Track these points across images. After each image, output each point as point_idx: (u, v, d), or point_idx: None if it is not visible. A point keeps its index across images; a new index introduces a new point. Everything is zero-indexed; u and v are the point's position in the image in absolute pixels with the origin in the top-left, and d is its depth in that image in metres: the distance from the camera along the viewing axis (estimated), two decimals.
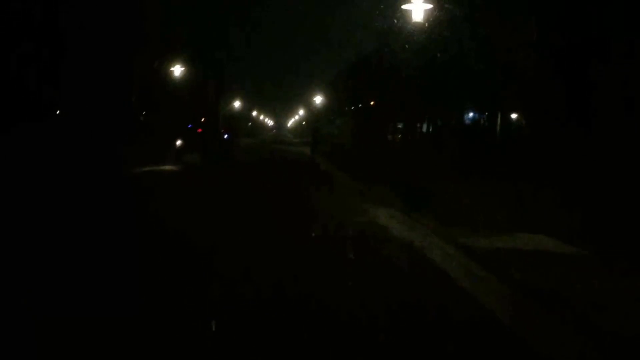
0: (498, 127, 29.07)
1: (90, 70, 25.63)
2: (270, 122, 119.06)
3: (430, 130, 35.35)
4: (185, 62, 31.85)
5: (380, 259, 7.63)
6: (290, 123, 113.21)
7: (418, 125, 36.81)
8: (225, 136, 27.16)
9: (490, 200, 12.67)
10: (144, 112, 28.89)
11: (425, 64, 27.00)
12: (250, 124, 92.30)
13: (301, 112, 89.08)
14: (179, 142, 25.22)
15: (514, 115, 28.35)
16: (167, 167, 21.35)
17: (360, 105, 43.78)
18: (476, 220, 9.97)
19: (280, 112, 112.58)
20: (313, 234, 9.28)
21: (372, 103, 41.17)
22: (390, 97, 33.10)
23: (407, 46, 25.98)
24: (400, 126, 41.14)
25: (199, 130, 29.38)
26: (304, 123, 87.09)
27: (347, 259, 7.72)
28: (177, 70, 30.92)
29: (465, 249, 7.90)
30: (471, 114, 32.60)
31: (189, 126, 28.94)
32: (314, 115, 66.75)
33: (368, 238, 9.00)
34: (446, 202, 12.25)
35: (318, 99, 59.50)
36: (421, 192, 13.62)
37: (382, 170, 20.28)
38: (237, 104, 64.35)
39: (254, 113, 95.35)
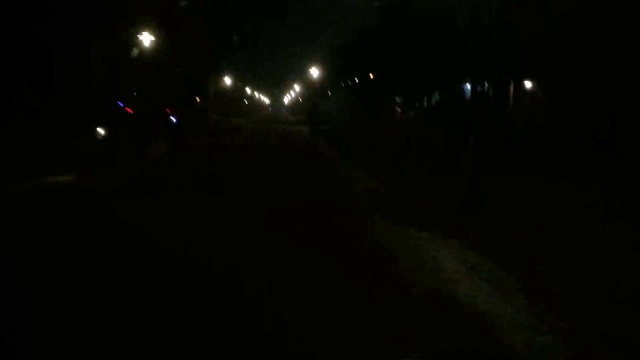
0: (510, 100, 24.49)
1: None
2: (266, 100, 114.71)
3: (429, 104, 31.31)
4: (158, 30, 27.27)
5: None
6: (288, 101, 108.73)
7: (425, 98, 32.72)
8: (173, 121, 16.79)
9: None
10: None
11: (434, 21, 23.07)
12: (246, 102, 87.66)
13: (298, 88, 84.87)
14: (101, 131, 16.75)
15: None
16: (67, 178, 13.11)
17: (363, 78, 39.53)
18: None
19: (277, 89, 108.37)
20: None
21: (371, 76, 36.99)
22: (395, 67, 28.95)
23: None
24: (398, 100, 37.02)
25: (129, 110, 19.58)
26: (300, 100, 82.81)
27: None
28: (147, 39, 26.42)
29: None
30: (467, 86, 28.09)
31: (119, 104, 19.53)
32: (311, 92, 62.48)
33: None
34: (548, 227, 7.44)
35: (315, 72, 55.28)
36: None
37: (412, 163, 14.91)
38: (228, 81, 59.88)
39: (249, 91, 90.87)
